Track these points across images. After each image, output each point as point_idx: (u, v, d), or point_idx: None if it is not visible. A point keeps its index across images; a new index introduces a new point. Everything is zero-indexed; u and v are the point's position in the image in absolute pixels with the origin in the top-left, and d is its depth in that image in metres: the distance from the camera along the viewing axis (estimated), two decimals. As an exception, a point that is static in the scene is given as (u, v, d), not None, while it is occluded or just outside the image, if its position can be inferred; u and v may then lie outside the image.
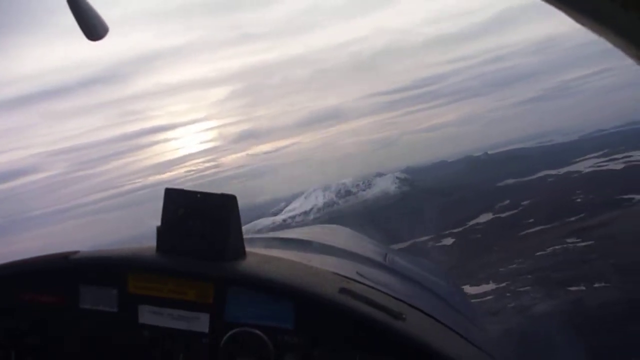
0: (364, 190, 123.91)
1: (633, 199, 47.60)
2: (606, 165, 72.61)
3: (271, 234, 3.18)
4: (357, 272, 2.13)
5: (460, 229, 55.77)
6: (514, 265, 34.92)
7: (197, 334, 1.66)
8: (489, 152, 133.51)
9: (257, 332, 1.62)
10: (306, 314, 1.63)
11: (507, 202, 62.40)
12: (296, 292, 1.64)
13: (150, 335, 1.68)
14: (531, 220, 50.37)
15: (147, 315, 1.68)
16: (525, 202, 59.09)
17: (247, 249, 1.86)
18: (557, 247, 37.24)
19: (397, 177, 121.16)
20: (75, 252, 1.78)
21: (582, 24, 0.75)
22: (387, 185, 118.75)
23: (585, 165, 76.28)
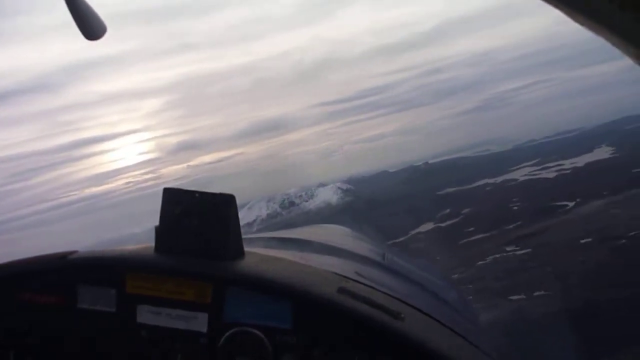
0: (306, 201, 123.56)
1: (566, 206, 49.29)
2: (540, 173, 75.45)
3: (270, 234, 3.11)
4: (356, 272, 2.11)
5: (402, 238, 55.92)
6: (456, 275, 35.01)
7: (195, 334, 1.66)
8: (430, 162, 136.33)
9: (256, 332, 1.62)
10: (305, 313, 1.63)
11: (448, 211, 63.37)
12: (295, 292, 1.64)
13: (149, 335, 1.67)
14: (471, 229, 51.17)
15: (146, 315, 1.68)
16: (465, 211, 60.17)
17: (246, 248, 1.85)
18: (497, 255, 37.76)
19: (339, 188, 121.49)
20: (74, 252, 1.78)
21: (581, 23, 0.75)
22: (329, 195, 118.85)
23: (520, 174, 79.02)
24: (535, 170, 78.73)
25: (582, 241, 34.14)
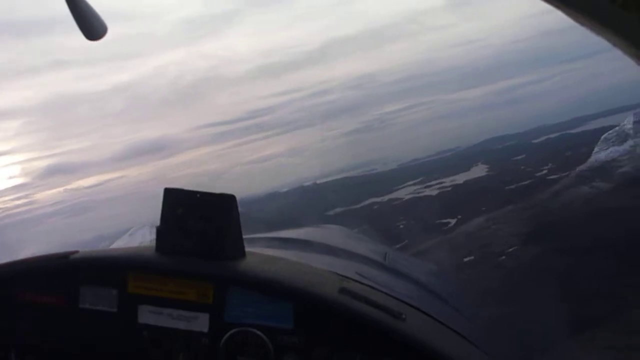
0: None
1: (449, 223, 50.68)
2: (423, 191, 78.07)
3: (271, 234, 3.06)
4: (357, 272, 2.11)
5: (293, 262, 54.45)
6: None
7: (196, 334, 1.66)
8: (318, 182, 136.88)
9: (257, 332, 1.63)
10: (306, 313, 1.63)
11: (337, 231, 62.98)
12: (296, 292, 1.65)
13: (150, 335, 1.68)
14: (360, 249, 50.89)
15: (147, 315, 1.69)
16: (354, 231, 60.06)
17: (247, 248, 1.86)
18: (385, 277, 37.31)
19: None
20: (75, 252, 1.78)
21: (582, 23, 0.75)
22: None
23: (405, 192, 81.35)
24: (419, 189, 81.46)
25: (466, 259, 34.63)
